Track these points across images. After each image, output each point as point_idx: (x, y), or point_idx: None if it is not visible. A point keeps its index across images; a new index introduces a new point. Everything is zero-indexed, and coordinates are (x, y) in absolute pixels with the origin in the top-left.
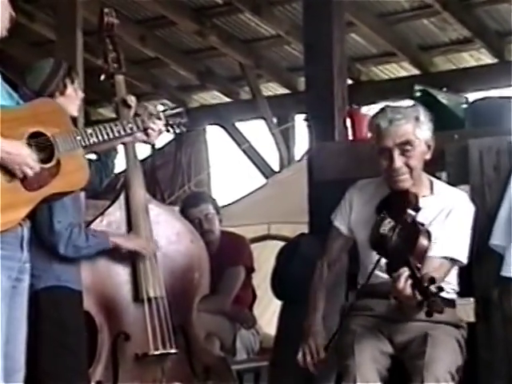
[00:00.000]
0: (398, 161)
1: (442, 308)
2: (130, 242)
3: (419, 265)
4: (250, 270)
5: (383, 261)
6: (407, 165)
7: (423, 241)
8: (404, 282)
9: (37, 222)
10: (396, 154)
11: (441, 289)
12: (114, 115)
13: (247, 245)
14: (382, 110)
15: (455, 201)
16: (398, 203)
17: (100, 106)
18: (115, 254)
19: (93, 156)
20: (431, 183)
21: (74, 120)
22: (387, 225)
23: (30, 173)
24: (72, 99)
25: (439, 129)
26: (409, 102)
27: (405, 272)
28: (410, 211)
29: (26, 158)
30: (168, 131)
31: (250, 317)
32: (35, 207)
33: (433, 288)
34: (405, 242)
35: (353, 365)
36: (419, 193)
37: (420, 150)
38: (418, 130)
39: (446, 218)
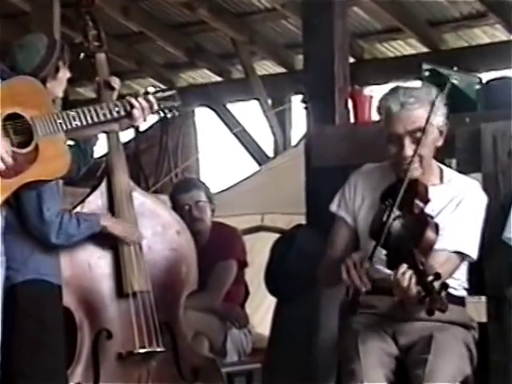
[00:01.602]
0: (409, 149)
1: (445, 306)
2: (118, 227)
3: (424, 259)
4: (243, 264)
5: (383, 252)
6: (418, 153)
7: (430, 234)
8: (408, 280)
9: (25, 210)
10: (407, 141)
11: (445, 286)
12: (94, 95)
13: (240, 237)
14: (393, 90)
15: (466, 190)
16: (405, 192)
17: (79, 85)
18: (96, 242)
19: (70, 142)
20: (441, 171)
21: (65, 102)
22: (391, 214)
23: (1, 166)
24: (62, 81)
25: (449, 111)
26: (422, 84)
27: (408, 270)
28: (419, 202)
29: None
30: (159, 115)
31: (241, 315)
32: (10, 196)
33: (437, 284)
34: (410, 233)
35: (359, 369)
36: (428, 182)
37: (432, 137)
38: (432, 116)
39: (456, 209)
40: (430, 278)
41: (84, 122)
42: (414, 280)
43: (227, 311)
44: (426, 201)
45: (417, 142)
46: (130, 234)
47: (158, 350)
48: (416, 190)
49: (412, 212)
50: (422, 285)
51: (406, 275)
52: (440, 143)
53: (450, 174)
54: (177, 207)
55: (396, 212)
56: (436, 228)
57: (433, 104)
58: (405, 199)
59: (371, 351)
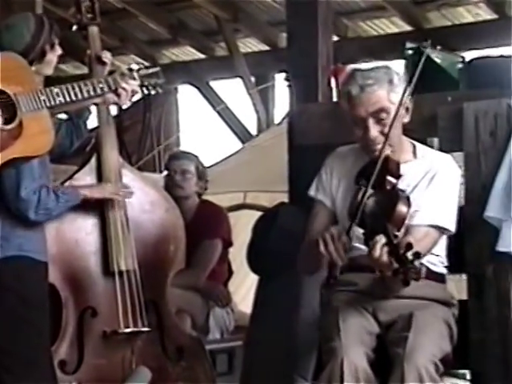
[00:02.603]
0: (374, 130)
1: (419, 275)
2: (97, 191)
3: (397, 232)
4: (228, 244)
5: (361, 231)
6: (383, 133)
7: (402, 207)
8: (380, 250)
9: (3, 188)
10: (370, 123)
11: (418, 255)
12: (77, 72)
13: (226, 217)
14: (352, 75)
15: (439, 165)
16: (377, 171)
17: (62, 62)
18: (84, 218)
19: (63, 116)
20: (414, 147)
21: (47, 79)
22: (365, 193)
23: None
24: (51, 62)
25: (432, 90)
26: (379, 64)
27: (381, 239)
28: (390, 178)
29: None
30: (142, 92)
31: (224, 294)
32: None
33: (410, 255)
34: (382, 209)
35: (339, 347)
36: (401, 158)
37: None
38: (393, 95)
39: (430, 183)
40: (403, 249)
41: (68, 99)
42: (385, 249)
43: (210, 289)
44: (398, 176)
45: (381, 122)
46: (112, 192)
47: (143, 329)
48: (387, 167)
49: (384, 189)
50: (396, 256)
51: (377, 246)
52: (407, 119)
53: (422, 149)
54: (166, 176)
55: (370, 191)
56: (407, 201)
57: (390, 82)
58: (377, 177)
59: (352, 329)
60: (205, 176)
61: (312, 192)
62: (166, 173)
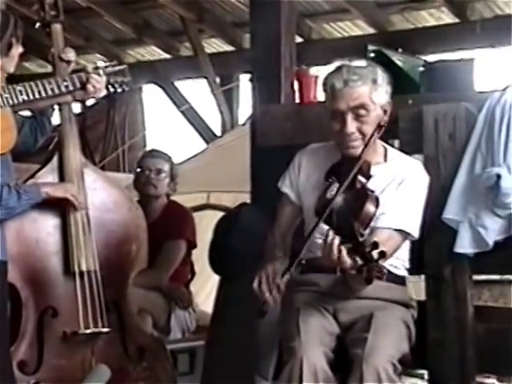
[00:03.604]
0: (351, 126)
1: (383, 274)
2: (59, 190)
3: (363, 231)
4: (192, 245)
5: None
6: (360, 130)
7: (370, 206)
8: (336, 250)
9: None
10: (349, 118)
11: (383, 254)
12: (41, 70)
13: (192, 219)
14: (338, 68)
15: (409, 170)
16: (348, 169)
17: (26, 60)
18: (46, 217)
19: (27, 113)
20: (385, 150)
21: (11, 77)
22: (334, 190)
23: None
24: (13, 58)
25: (393, 92)
26: (366, 62)
27: (334, 239)
28: (361, 178)
29: None
30: (108, 90)
31: (186, 296)
32: None
33: (375, 253)
34: (351, 207)
35: (299, 347)
36: (372, 160)
37: (375, 114)
38: (375, 94)
39: (398, 187)
40: (369, 247)
41: (31, 97)
42: (336, 243)
43: (172, 290)
44: (368, 177)
45: (359, 119)
46: (73, 195)
47: (103, 330)
48: (358, 167)
49: (354, 187)
50: (360, 254)
51: (333, 247)
52: (384, 122)
53: (393, 153)
54: (139, 173)
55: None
56: (376, 201)
57: (374, 81)
58: (347, 176)
59: (311, 329)
60: (176, 178)
61: (280, 183)
62: (138, 170)
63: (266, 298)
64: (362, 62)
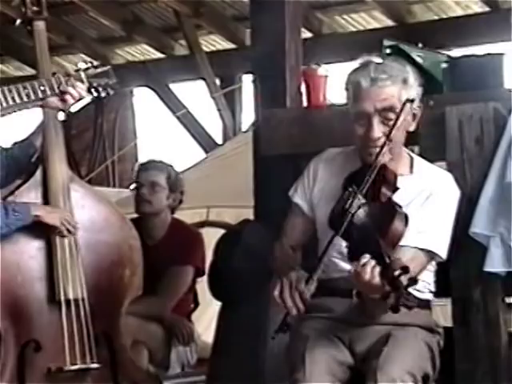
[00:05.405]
0: (377, 130)
1: (412, 303)
2: (52, 216)
3: (390, 251)
4: (201, 273)
5: (343, 244)
6: (387, 136)
7: (399, 224)
8: (371, 272)
9: None
10: (375, 121)
11: (414, 281)
12: (19, 73)
13: (202, 242)
14: (364, 65)
15: (437, 183)
16: (372, 179)
17: (1, 62)
18: (28, 238)
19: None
20: (411, 160)
21: None
22: (355, 202)
23: None
24: None
25: None
26: (397, 60)
27: (371, 260)
28: (386, 190)
29: None
30: (92, 95)
31: (189, 331)
32: None
33: (404, 279)
34: (376, 223)
35: (302, 378)
36: (397, 170)
37: (404, 118)
38: (405, 95)
39: (425, 202)
40: (397, 271)
41: (4, 104)
42: (377, 270)
43: (174, 323)
44: (394, 189)
45: (387, 123)
46: (67, 223)
47: (92, 366)
48: (384, 177)
49: (378, 200)
50: (388, 279)
51: (367, 266)
52: (412, 128)
53: (420, 164)
54: (133, 190)
55: (360, 199)
56: (405, 219)
57: (405, 81)
58: (371, 186)
59: (318, 359)
60: (179, 187)
61: (291, 192)
62: (133, 186)
63: (289, 306)
64: (391, 60)
